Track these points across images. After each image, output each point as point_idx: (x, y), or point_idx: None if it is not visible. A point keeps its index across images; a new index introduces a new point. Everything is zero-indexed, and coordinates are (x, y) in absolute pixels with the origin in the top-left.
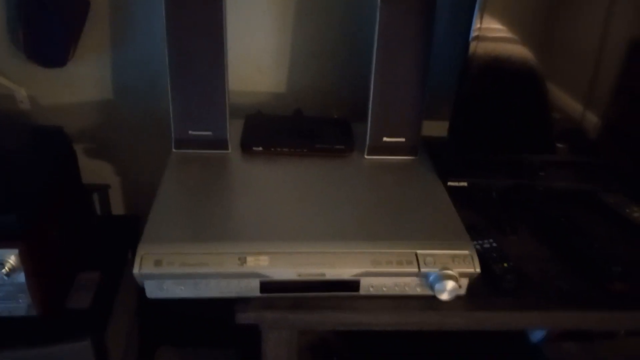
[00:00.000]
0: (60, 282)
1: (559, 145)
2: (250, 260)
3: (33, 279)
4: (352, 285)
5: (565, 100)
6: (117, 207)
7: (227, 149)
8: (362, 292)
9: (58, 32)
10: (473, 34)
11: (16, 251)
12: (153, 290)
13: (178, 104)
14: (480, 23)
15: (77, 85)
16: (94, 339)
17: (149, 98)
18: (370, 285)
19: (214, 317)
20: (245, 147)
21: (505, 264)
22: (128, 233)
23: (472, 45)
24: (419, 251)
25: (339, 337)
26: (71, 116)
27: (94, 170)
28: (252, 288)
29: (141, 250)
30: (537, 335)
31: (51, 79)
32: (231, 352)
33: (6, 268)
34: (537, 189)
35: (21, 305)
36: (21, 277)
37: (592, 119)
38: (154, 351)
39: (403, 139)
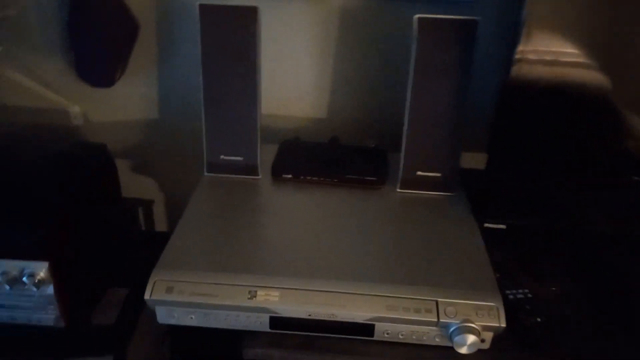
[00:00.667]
0: (89, 296)
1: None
2: (261, 294)
3: (61, 291)
4: (366, 329)
5: (593, 122)
6: (161, 223)
7: (257, 174)
8: (376, 337)
9: (107, 55)
10: (515, 56)
11: (46, 264)
12: (164, 317)
13: (211, 128)
14: (525, 45)
15: (126, 104)
16: (115, 355)
17: (192, 116)
18: (385, 330)
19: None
20: (276, 174)
21: (538, 319)
22: (160, 251)
23: (514, 69)
24: (440, 299)
25: None
26: (120, 133)
27: (140, 186)
28: (261, 323)
29: (154, 275)
30: None
31: (102, 97)
32: None
33: (36, 280)
34: (586, 234)
35: (50, 316)
36: (50, 289)
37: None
38: None
39: (439, 174)
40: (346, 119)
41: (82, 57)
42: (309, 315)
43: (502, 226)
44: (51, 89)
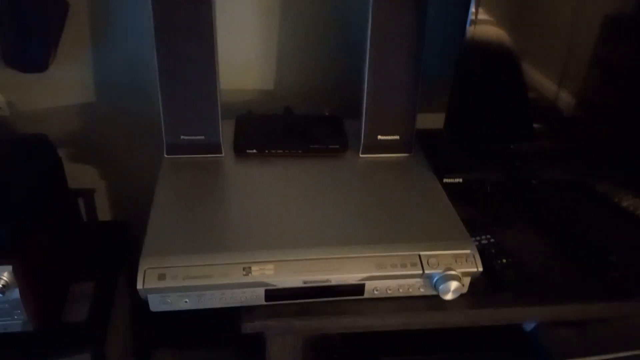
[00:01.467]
0: (55, 294)
1: (535, 125)
2: (255, 269)
3: (28, 294)
4: (357, 289)
5: (542, 81)
6: (104, 212)
7: (220, 152)
8: (366, 295)
9: (37, 37)
10: (470, 17)
11: (10, 268)
12: (157, 304)
13: (169, 108)
14: (477, 7)
15: (59, 89)
16: (93, 352)
17: (135, 99)
18: (374, 288)
19: (211, 317)
20: (239, 150)
21: (504, 260)
22: (118, 240)
23: (470, 30)
24: (422, 253)
25: (340, 334)
26: (54, 121)
27: (80, 175)
28: (257, 297)
29: (143, 264)
30: (529, 325)
31: (31, 83)
32: (229, 352)
33: (0, 285)
34: (531, 181)
35: (17, 321)
36: (16, 294)
37: (568, 99)
38: (150, 354)
39: (397, 137)
40: (295, 88)
41: (8, 42)
42: (305, 283)
43: (459, 180)
44: None
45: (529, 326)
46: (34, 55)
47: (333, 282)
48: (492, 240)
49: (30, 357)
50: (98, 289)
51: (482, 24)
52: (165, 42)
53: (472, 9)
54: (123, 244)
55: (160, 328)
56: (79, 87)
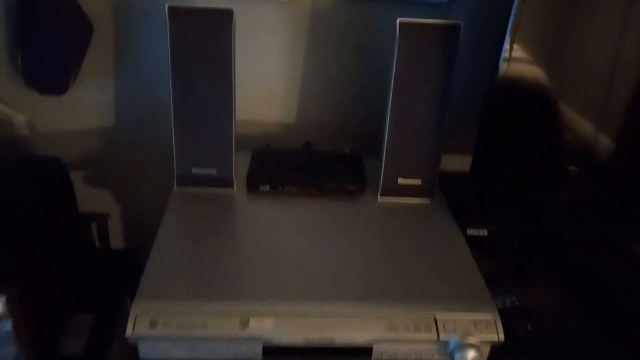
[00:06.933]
0: (52, 325)
1: (570, 173)
2: (253, 323)
3: (22, 326)
4: (363, 351)
5: (581, 124)
6: (116, 238)
7: (232, 187)
8: (374, 358)
9: (58, 59)
10: (504, 54)
11: (4, 298)
12: (148, 352)
13: (181, 139)
14: (511, 44)
15: (78, 112)
16: None
17: (151, 125)
18: (383, 351)
19: None
20: (251, 185)
21: (529, 325)
22: (125, 269)
23: (503, 67)
24: (438, 315)
25: None
26: (71, 142)
27: (94, 198)
28: (254, 352)
29: (135, 309)
30: None
31: (51, 104)
32: None
33: None
34: (561, 237)
35: (9, 352)
36: (8, 326)
37: (609, 145)
38: None
39: (419, 181)
40: (317, 123)
41: (30, 62)
42: (307, 341)
43: (484, 232)
44: None
45: None
46: (54, 77)
47: (338, 343)
48: (516, 302)
49: None
50: (98, 321)
51: (517, 62)
52: (181, 72)
53: (507, 46)
54: (130, 273)
55: None
56: (98, 110)
